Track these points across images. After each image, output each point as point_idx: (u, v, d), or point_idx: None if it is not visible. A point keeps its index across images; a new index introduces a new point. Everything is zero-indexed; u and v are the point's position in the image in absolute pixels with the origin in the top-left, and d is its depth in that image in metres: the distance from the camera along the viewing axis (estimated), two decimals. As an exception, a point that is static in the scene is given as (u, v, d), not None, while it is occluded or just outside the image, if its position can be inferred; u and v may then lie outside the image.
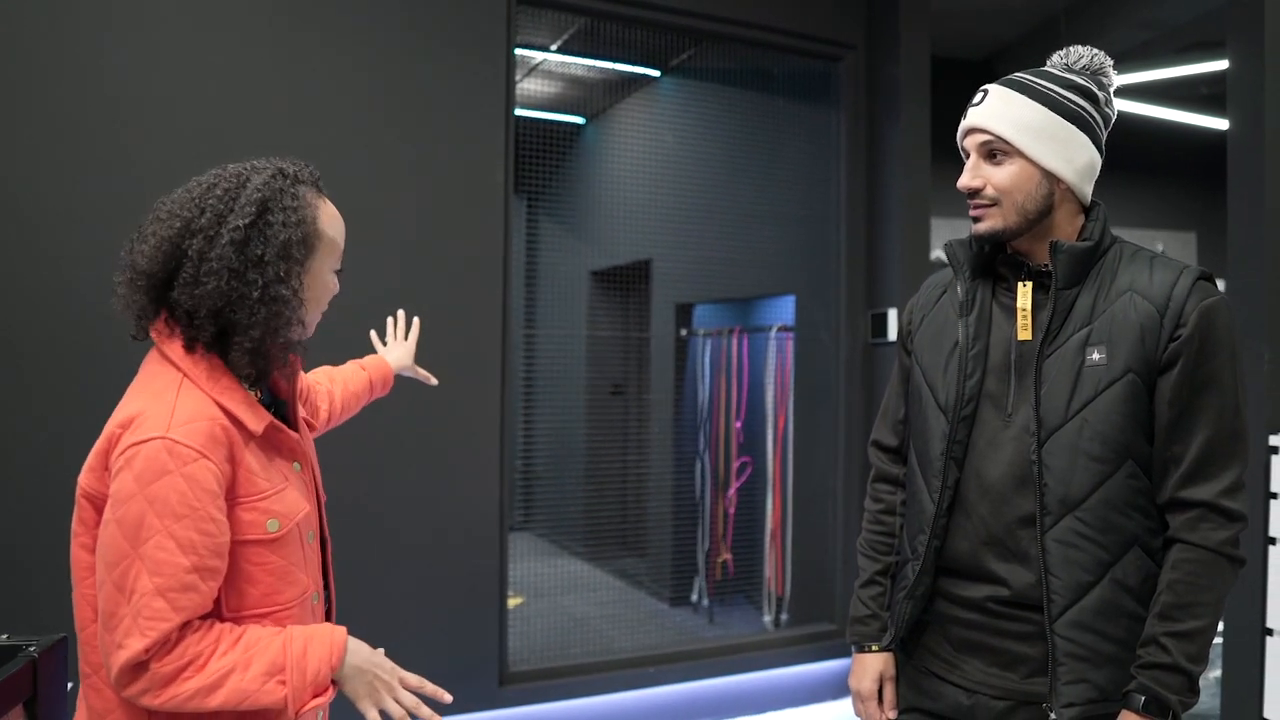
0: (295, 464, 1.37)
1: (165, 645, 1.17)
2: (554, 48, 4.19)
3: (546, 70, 4.47)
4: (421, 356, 3.12)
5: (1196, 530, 1.33)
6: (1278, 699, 2.50)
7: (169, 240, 1.26)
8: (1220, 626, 2.81)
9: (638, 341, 5.17)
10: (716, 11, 3.74)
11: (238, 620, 1.25)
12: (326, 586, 1.49)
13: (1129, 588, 1.37)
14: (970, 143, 1.47)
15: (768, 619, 4.38)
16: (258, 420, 1.27)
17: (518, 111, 3.45)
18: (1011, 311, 1.48)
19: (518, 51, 3.48)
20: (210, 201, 1.28)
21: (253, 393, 1.34)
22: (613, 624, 4.17)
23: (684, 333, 5.08)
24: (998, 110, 1.44)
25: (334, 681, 1.26)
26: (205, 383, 1.25)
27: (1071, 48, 1.51)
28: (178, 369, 1.26)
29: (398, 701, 1.28)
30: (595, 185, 4.49)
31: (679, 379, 5.07)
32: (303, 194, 1.33)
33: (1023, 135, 1.42)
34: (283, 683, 1.20)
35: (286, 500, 1.29)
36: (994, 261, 1.53)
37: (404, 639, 3.09)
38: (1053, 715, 1.39)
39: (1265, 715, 2.52)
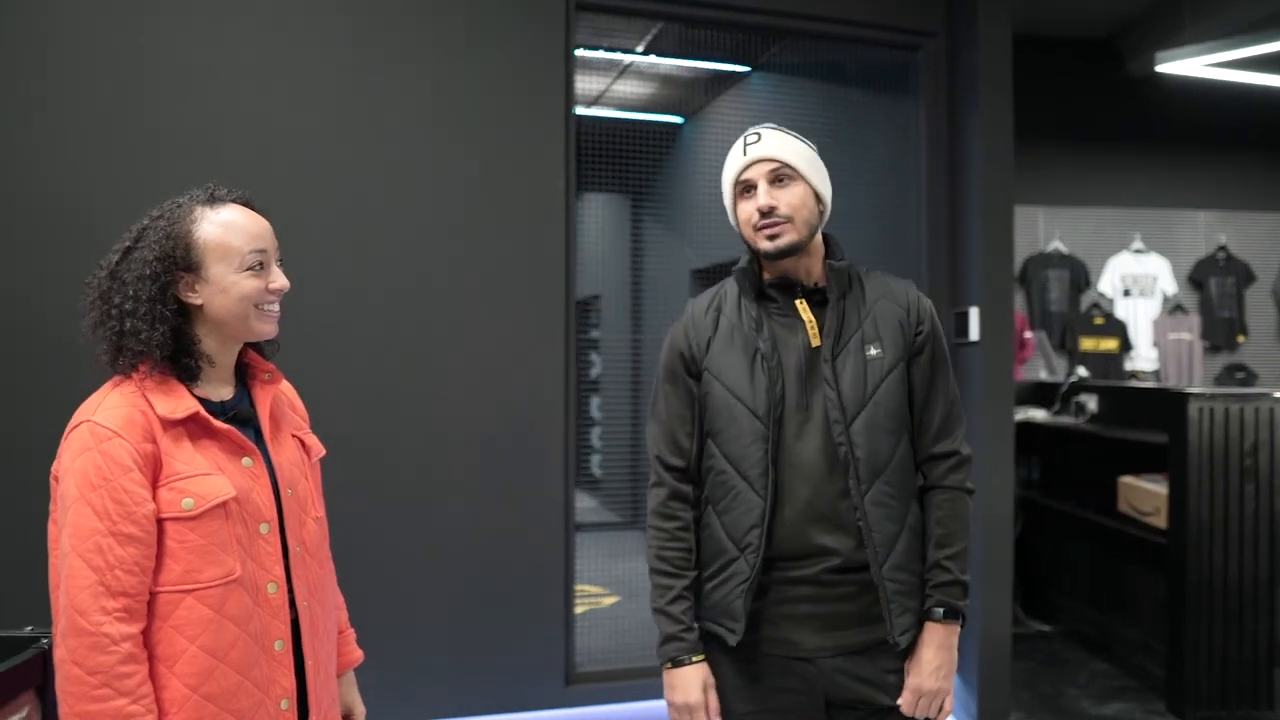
0: (245, 459, 1.47)
1: (89, 637, 1.29)
2: (640, 49, 4.19)
3: (638, 71, 4.48)
4: (485, 359, 3.14)
5: (950, 476, 1.79)
6: None
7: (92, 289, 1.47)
8: None
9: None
10: (787, 7, 3.67)
11: (158, 595, 1.36)
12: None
13: (916, 531, 1.76)
14: (758, 172, 1.76)
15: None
16: (174, 409, 1.40)
17: (613, 114, 3.45)
18: (787, 326, 1.77)
19: (605, 55, 3.49)
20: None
21: (226, 391, 1.51)
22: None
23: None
24: (779, 144, 1.77)
25: None
26: (143, 382, 1.41)
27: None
28: (127, 377, 1.43)
29: None
30: (694, 183, 4.47)
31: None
32: (179, 212, 1.45)
33: (803, 163, 1.77)
34: None
35: (207, 484, 1.40)
36: (762, 285, 1.80)
37: (470, 637, 3.18)
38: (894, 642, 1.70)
39: None
